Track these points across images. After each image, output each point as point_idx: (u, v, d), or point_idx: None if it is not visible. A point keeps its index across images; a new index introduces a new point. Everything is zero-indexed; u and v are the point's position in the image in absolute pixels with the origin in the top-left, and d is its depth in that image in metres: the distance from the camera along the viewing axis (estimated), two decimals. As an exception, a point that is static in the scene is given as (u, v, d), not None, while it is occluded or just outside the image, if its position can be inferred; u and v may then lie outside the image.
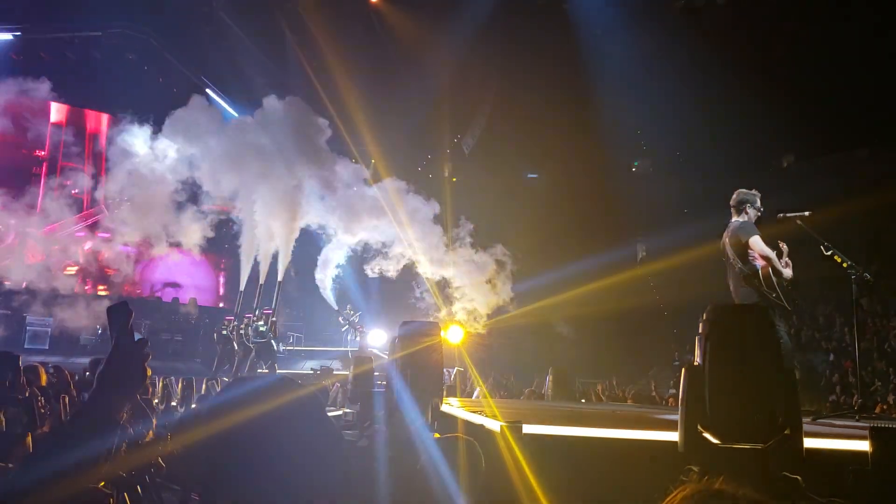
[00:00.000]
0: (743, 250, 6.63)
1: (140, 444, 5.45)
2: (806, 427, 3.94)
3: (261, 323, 14.80)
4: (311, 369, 16.16)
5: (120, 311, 1.66)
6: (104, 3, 17.81)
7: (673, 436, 3.75)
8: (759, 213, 6.84)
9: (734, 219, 6.87)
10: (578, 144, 24.35)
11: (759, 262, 6.56)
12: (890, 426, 3.60)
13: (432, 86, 20.77)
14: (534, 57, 21.59)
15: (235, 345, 14.71)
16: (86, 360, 9.59)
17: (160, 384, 9.01)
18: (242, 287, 17.64)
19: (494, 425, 4.09)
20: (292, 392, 1.71)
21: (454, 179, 26.18)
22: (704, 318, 3.87)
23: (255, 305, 16.58)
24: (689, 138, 23.71)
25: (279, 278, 17.58)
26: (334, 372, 15.74)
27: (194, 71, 20.69)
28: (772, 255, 6.55)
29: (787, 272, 6.63)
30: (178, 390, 9.55)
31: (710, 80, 20.86)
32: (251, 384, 1.84)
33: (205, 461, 1.64)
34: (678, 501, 1.14)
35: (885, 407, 10.75)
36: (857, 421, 6.16)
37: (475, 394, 15.94)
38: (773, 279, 6.44)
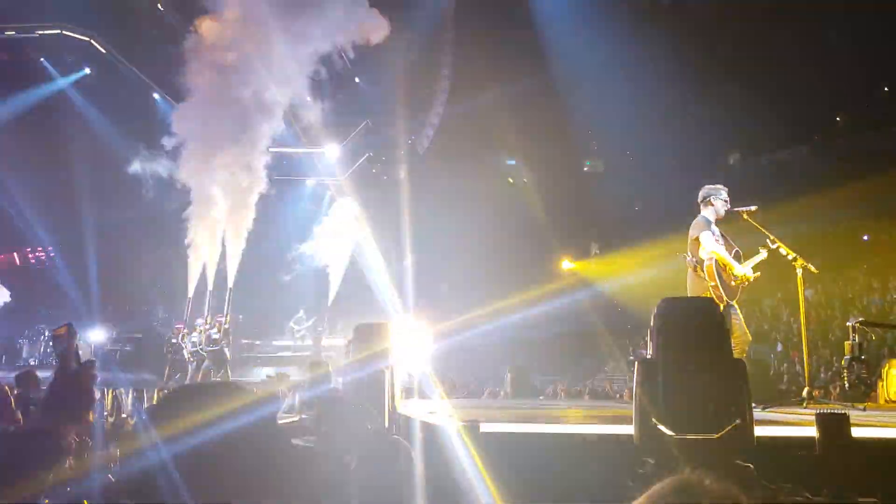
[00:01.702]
0: (694, 244, 6.83)
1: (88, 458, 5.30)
2: (756, 416, 4.03)
3: (214, 330, 14.50)
4: (267, 375, 15.93)
5: (64, 335, 1.61)
6: (40, 2, 17.28)
7: (628, 429, 3.79)
8: (727, 205, 7.02)
9: (700, 213, 7.08)
10: (530, 145, 24.56)
11: (705, 255, 6.74)
12: (834, 412, 3.70)
13: (388, 83, 20.66)
14: (489, 58, 21.67)
15: (186, 353, 14.41)
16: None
17: (109, 396, 8.77)
18: (191, 294, 17.33)
19: (452, 425, 4.08)
20: (237, 398, 1.66)
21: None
22: (655, 311, 3.93)
23: (205, 312, 16.30)
24: (639, 138, 24.11)
25: (230, 284, 17.34)
26: (291, 378, 15.55)
27: (142, 73, 20.20)
28: (720, 251, 6.72)
29: (741, 269, 6.79)
30: (128, 402, 9.30)
31: (659, 81, 21.24)
32: (193, 391, 1.78)
33: (143, 471, 1.59)
34: (652, 496, 1.14)
35: (831, 394, 11.06)
36: (805, 408, 6.33)
37: (434, 395, 15.91)
38: (716, 272, 6.61)
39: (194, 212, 16.89)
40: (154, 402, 9.14)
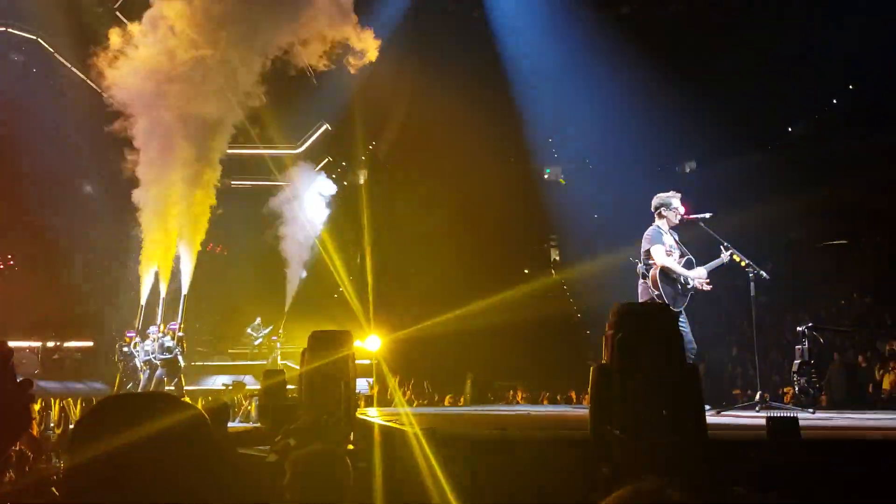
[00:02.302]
0: (646, 254, 6.99)
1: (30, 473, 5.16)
2: (710, 419, 4.08)
3: (167, 338, 14.21)
4: (223, 385, 15.70)
5: None
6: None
7: (584, 434, 3.81)
8: (680, 214, 7.13)
9: (654, 222, 7.19)
10: (491, 152, 24.67)
11: (653, 263, 6.90)
12: (784, 416, 3.77)
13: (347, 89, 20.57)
14: (447, 66, 21.72)
15: (139, 362, 14.09)
16: None
17: (56, 407, 8.53)
18: (143, 301, 17.01)
19: (413, 431, 4.05)
20: (169, 412, 1.59)
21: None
22: (610, 317, 3.95)
23: (158, 320, 16.00)
24: (598, 146, 24.41)
25: (184, 291, 17.06)
26: (247, 387, 15.36)
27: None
28: (670, 265, 6.89)
29: (694, 276, 6.93)
30: (77, 412, 9.04)
31: (617, 90, 21.53)
32: (122, 403, 1.71)
33: (69, 487, 1.52)
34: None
35: (782, 398, 11.29)
36: (758, 411, 6.45)
37: (393, 402, 15.85)
38: (660, 281, 6.77)
39: (145, 218, 16.59)
40: (81, 415, 8.87)
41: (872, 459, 3.88)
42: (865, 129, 21.74)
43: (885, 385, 12.58)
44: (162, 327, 14.83)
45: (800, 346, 6.95)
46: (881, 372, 12.93)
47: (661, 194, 7.34)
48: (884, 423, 5.85)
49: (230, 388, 14.96)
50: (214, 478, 1.50)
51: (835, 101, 23.37)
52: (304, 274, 22.13)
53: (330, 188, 22.02)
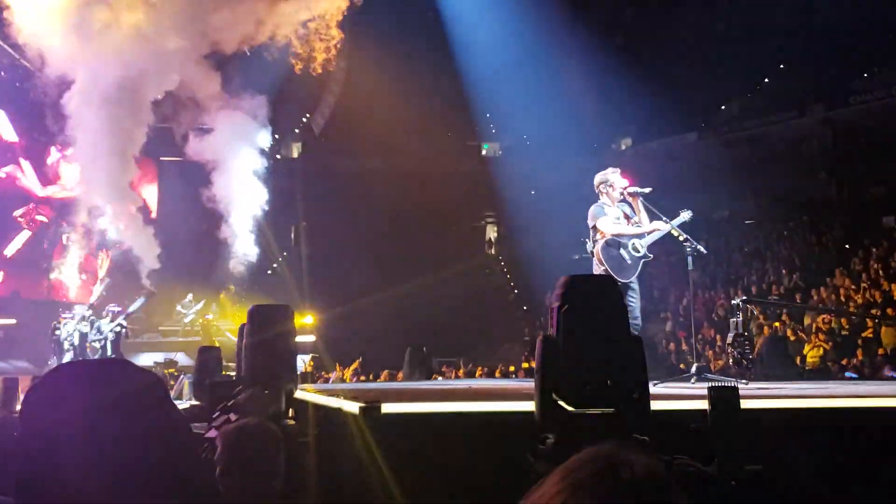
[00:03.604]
0: (593, 231, 7.06)
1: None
2: (651, 391, 4.11)
3: (105, 320, 13.57)
4: (155, 362, 15.27)
5: None
6: None
7: (529, 406, 3.79)
8: (621, 188, 7.18)
9: (598, 200, 7.25)
10: (428, 127, 24.53)
11: (599, 238, 6.96)
12: (725, 385, 3.82)
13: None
14: (385, 38, 21.41)
15: (68, 341, 13.36)
16: None
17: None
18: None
19: (352, 407, 3.95)
20: (128, 375, 1.49)
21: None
22: (557, 289, 3.93)
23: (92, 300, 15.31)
24: (536, 122, 24.53)
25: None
26: (179, 363, 14.95)
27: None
28: (621, 229, 6.97)
29: (644, 229, 7.01)
30: (-1, 391, 8.59)
31: (556, 66, 21.64)
32: (79, 369, 1.59)
33: (23, 459, 1.40)
34: (568, 469, 1.08)
35: (714, 370, 11.64)
36: (694, 384, 6.59)
37: (331, 379, 15.72)
38: (603, 256, 6.83)
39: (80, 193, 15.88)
40: (32, 385, 8.49)
41: (808, 427, 4.00)
42: (797, 110, 22.43)
43: (811, 357, 13.14)
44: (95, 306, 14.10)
45: (734, 319, 7.12)
46: (808, 345, 13.51)
47: (601, 172, 7.41)
48: (813, 391, 6.05)
49: (161, 365, 14.55)
50: (180, 445, 1.41)
51: (766, 81, 24.04)
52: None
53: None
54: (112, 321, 13.53)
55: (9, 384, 8.18)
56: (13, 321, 18.04)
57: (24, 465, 1.39)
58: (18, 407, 7.79)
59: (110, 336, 13.33)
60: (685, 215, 7.18)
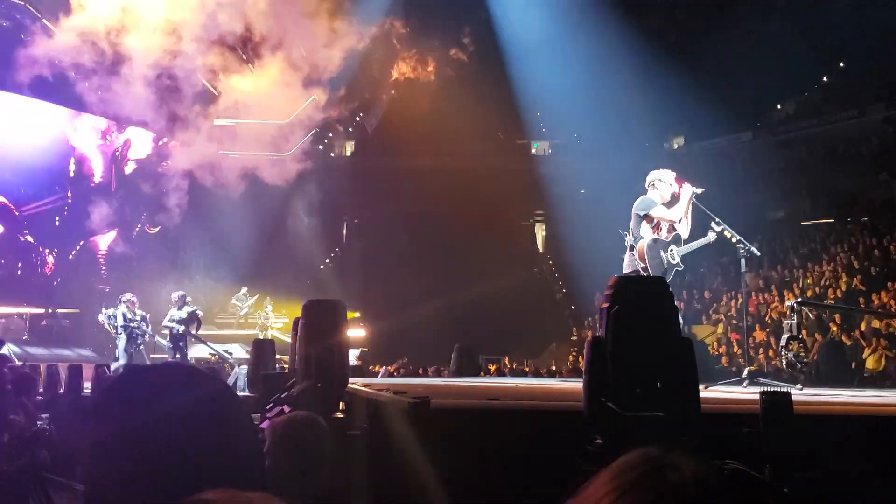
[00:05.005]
0: (635, 222, 6.92)
1: (22, 439, 5.13)
2: (700, 394, 4.08)
3: (175, 309, 13.61)
4: (209, 353, 15.60)
5: None
6: None
7: (577, 406, 3.80)
8: (672, 188, 7.09)
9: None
10: (478, 126, 24.53)
11: (643, 235, 6.85)
12: (778, 390, 3.77)
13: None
14: (436, 40, 21.50)
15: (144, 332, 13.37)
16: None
17: (43, 373, 8.44)
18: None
19: (402, 402, 4.02)
20: (201, 384, 1.55)
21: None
22: (606, 291, 3.93)
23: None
24: (587, 121, 24.31)
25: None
26: (235, 356, 15.26)
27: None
28: (670, 214, 6.87)
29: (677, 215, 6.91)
30: (64, 379, 8.92)
31: (607, 66, 21.42)
32: (151, 375, 1.66)
33: (100, 459, 1.47)
34: (617, 469, 1.10)
35: (768, 374, 11.40)
36: (745, 387, 6.48)
37: (379, 373, 15.87)
38: (647, 254, 6.72)
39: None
40: (108, 385, 8.75)
41: (863, 435, 3.92)
42: (857, 109, 21.78)
43: (870, 363, 12.73)
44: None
45: (788, 322, 6.96)
46: (867, 349, 13.09)
47: (654, 170, 7.30)
48: (871, 399, 5.90)
49: (216, 357, 14.88)
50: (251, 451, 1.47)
51: (825, 79, 23.40)
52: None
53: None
54: (181, 308, 13.52)
55: (73, 371, 8.51)
56: (77, 310, 18.61)
57: (95, 460, 1.45)
58: (83, 393, 8.10)
59: (178, 328, 13.39)
60: (711, 236, 7.06)
